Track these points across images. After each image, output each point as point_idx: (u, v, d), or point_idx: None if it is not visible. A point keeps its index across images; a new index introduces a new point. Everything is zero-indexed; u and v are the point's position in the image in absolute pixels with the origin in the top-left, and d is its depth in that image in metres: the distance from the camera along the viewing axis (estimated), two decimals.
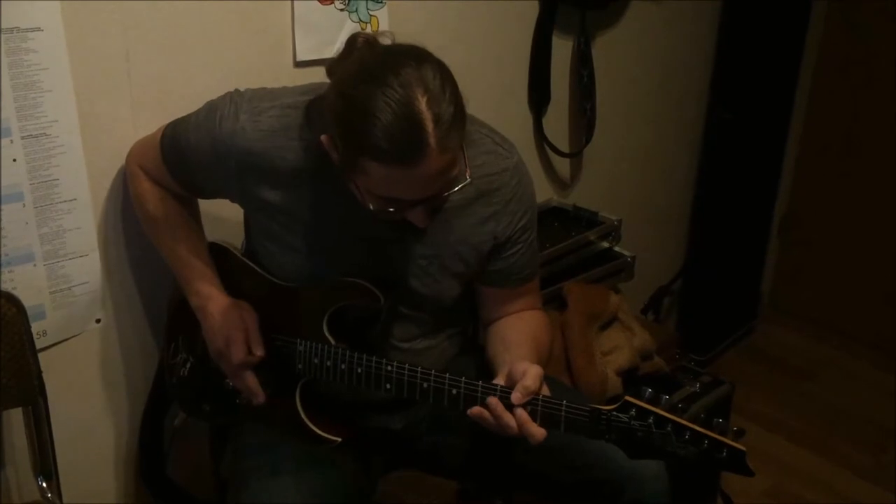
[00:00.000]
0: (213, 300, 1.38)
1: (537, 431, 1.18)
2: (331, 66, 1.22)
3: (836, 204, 3.06)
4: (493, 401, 1.19)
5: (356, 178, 1.16)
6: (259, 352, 1.34)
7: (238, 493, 1.34)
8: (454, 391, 1.22)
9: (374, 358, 1.28)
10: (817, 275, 3.16)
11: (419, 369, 1.25)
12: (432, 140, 1.08)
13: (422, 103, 1.07)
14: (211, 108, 1.33)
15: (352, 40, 1.20)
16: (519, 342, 1.35)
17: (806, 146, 3.10)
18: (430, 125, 1.07)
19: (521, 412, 1.18)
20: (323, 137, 1.17)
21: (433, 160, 1.10)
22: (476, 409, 1.20)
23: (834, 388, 2.85)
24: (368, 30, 1.78)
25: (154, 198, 1.45)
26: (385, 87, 1.07)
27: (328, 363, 1.31)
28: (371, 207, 1.18)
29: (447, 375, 1.23)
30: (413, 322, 1.40)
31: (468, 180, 1.20)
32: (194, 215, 1.49)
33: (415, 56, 1.11)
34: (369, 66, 1.11)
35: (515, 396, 1.18)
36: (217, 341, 1.35)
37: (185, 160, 1.37)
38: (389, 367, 1.26)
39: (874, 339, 2.99)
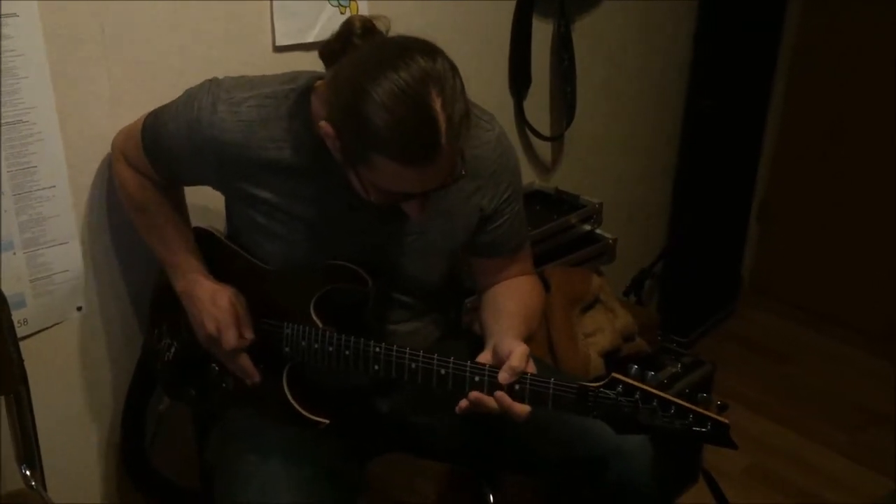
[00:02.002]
0: (199, 285, 1.38)
1: (520, 409, 1.20)
2: (327, 49, 1.21)
3: (814, 188, 3.09)
4: (474, 394, 1.21)
5: (359, 170, 1.15)
6: (249, 335, 1.35)
7: (226, 481, 1.33)
8: (442, 371, 1.23)
9: (361, 340, 1.28)
10: (796, 258, 3.20)
11: (407, 350, 1.25)
12: (444, 140, 1.08)
13: (437, 103, 1.06)
14: (189, 98, 1.32)
15: (348, 24, 1.19)
16: (510, 312, 1.36)
17: (785, 131, 3.13)
18: (443, 126, 1.07)
19: (500, 395, 1.20)
20: (322, 124, 1.15)
21: (441, 159, 1.10)
22: (463, 405, 1.22)
23: (812, 369, 2.89)
24: (348, 14, 1.78)
25: (137, 184, 1.43)
26: (398, 79, 1.05)
27: (315, 346, 1.31)
28: (371, 199, 1.18)
29: (435, 356, 1.23)
30: (399, 305, 1.40)
31: (464, 174, 1.20)
32: (178, 201, 1.48)
33: (427, 49, 1.10)
34: (380, 55, 1.09)
35: (502, 377, 1.19)
36: (208, 326, 1.35)
37: (165, 151, 1.35)
38: (378, 349, 1.27)
39: (852, 321, 3.03)
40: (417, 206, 1.19)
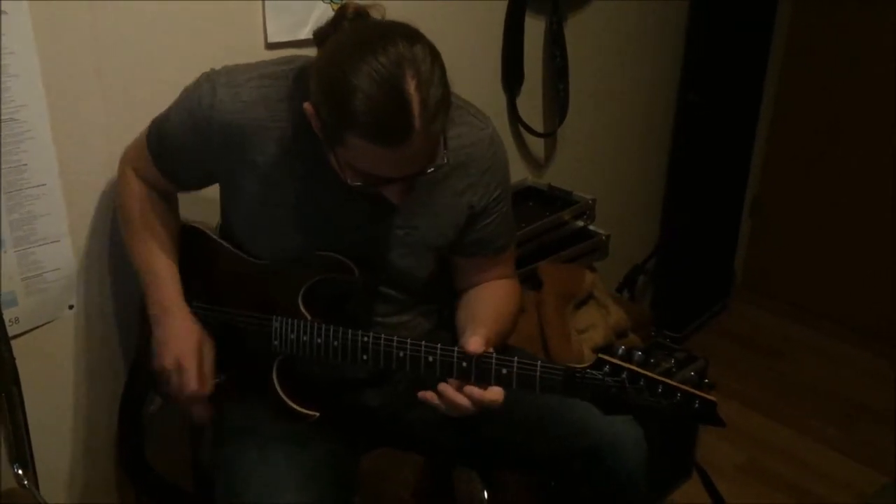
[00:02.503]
0: (171, 315, 1.37)
1: (493, 395, 1.21)
2: (319, 32, 1.22)
3: (807, 185, 3.10)
4: (443, 385, 1.21)
5: (337, 150, 1.16)
6: (207, 389, 1.35)
7: (227, 481, 1.33)
8: (430, 358, 1.23)
9: (349, 330, 1.28)
10: (789, 254, 3.20)
11: (395, 339, 1.25)
12: (417, 123, 1.08)
13: (411, 85, 1.07)
14: (188, 90, 1.34)
15: (342, 10, 1.20)
16: (481, 318, 1.36)
17: (778, 128, 3.13)
18: (416, 108, 1.08)
19: (469, 389, 1.20)
20: (306, 105, 1.16)
21: (416, 143, 1.10)
22: (427, 394, 1.22)
23: (805, 365, 2.89)
24: None
25: (137, 195, 1.43)
26: (375, 62, 1.07)
27: (304, 338, 1.30)
28: (348, 181, 1.18)
29: (423, 343, 1.24)
30: (388, 297, 1.40)
31: (445, 161, 1.21)
32: (172, 223, 1.47)
33: (408, 35, 1.11)
34: (361, 38, 1.11)
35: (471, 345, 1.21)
36: (165, 359, 1.35)
37: (169, 145, 1.36)
38: (366, 339, 1.27)
39: (844, 317, 3.04)
40: (398, 191, 1.19)
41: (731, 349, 2.96)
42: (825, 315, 3.08)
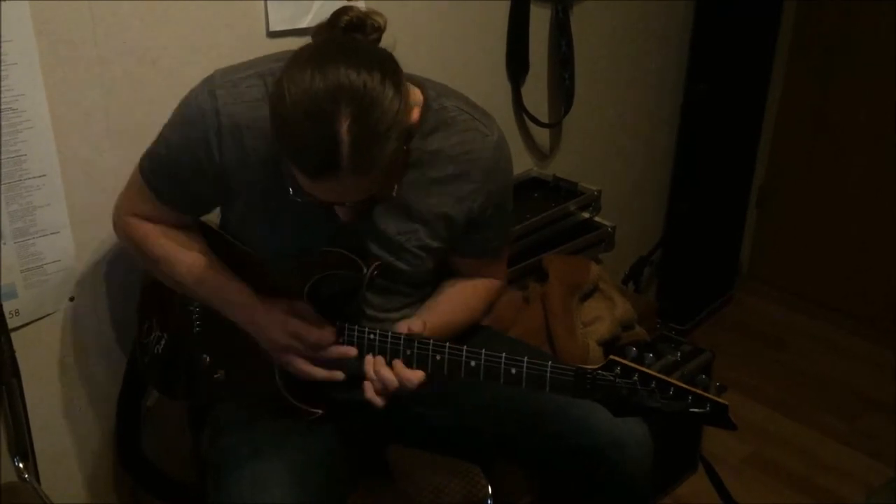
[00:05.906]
0: (253, 309, 1.32)
1: (413, 374, 1.23)
2: (316, 32, 1.19)
3: (814, 175, 3.08)
4: (372, 358, 1.25)
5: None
6: (332, 331, 1.30)
7: (220, 474, 1.31)
8: (437, 357, 1.23)
9: (355, 327, 1.27)
10: (794, 245, 3.19)
11: (402, 337, 1.24)
12: (345, 163, 1.05)
13: (343, 125, 1.03)
14: (182, 103, 1.29)
15: (336, 15, 1.16)
16: (435, 306, 1.39)
17: (785, 118, 3.11)
18: (345, 149, 1.04)
19: (396, 362, 1.24)
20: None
21: (345, 180, 1.07)
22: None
23: (810, 356, 2.88)
24: None
25: (154, 235, 1.37)
26: (311, 90, 1.04)
27: None
28: (303, 194, 1.16)
29: (431, 341, 1.23)
30: (391, 294, 1.39)
31: (394, 196, 1.21)
32: (196, 237, 1.41)
33: (359, 60, 1.06)
34: (314, 62, 1.07)
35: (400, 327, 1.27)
36: (279, 341, 1.30)
37: (168, 170, 1.31)
38: (371, 336, 1.26)
39: (850, 307, 3.02)
40: (345, 212, 1.18)
41: (736, 341, 2.94)
42: (831, 306, 3.06)
